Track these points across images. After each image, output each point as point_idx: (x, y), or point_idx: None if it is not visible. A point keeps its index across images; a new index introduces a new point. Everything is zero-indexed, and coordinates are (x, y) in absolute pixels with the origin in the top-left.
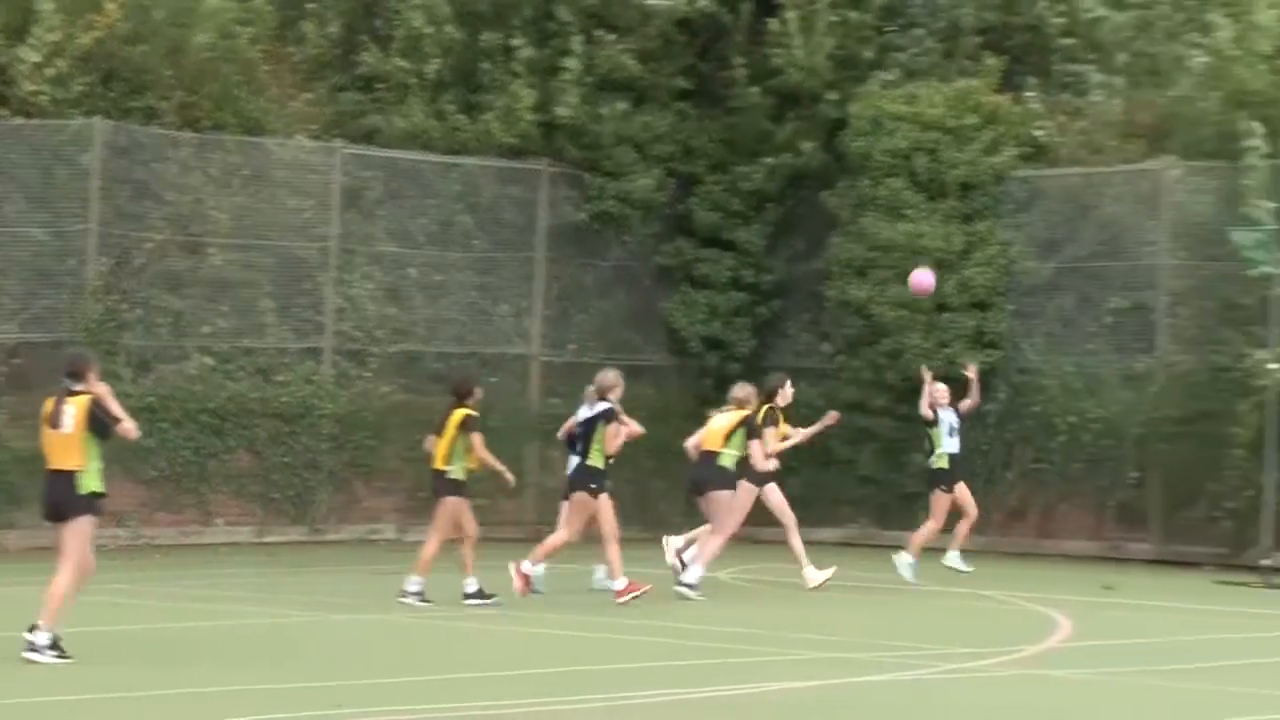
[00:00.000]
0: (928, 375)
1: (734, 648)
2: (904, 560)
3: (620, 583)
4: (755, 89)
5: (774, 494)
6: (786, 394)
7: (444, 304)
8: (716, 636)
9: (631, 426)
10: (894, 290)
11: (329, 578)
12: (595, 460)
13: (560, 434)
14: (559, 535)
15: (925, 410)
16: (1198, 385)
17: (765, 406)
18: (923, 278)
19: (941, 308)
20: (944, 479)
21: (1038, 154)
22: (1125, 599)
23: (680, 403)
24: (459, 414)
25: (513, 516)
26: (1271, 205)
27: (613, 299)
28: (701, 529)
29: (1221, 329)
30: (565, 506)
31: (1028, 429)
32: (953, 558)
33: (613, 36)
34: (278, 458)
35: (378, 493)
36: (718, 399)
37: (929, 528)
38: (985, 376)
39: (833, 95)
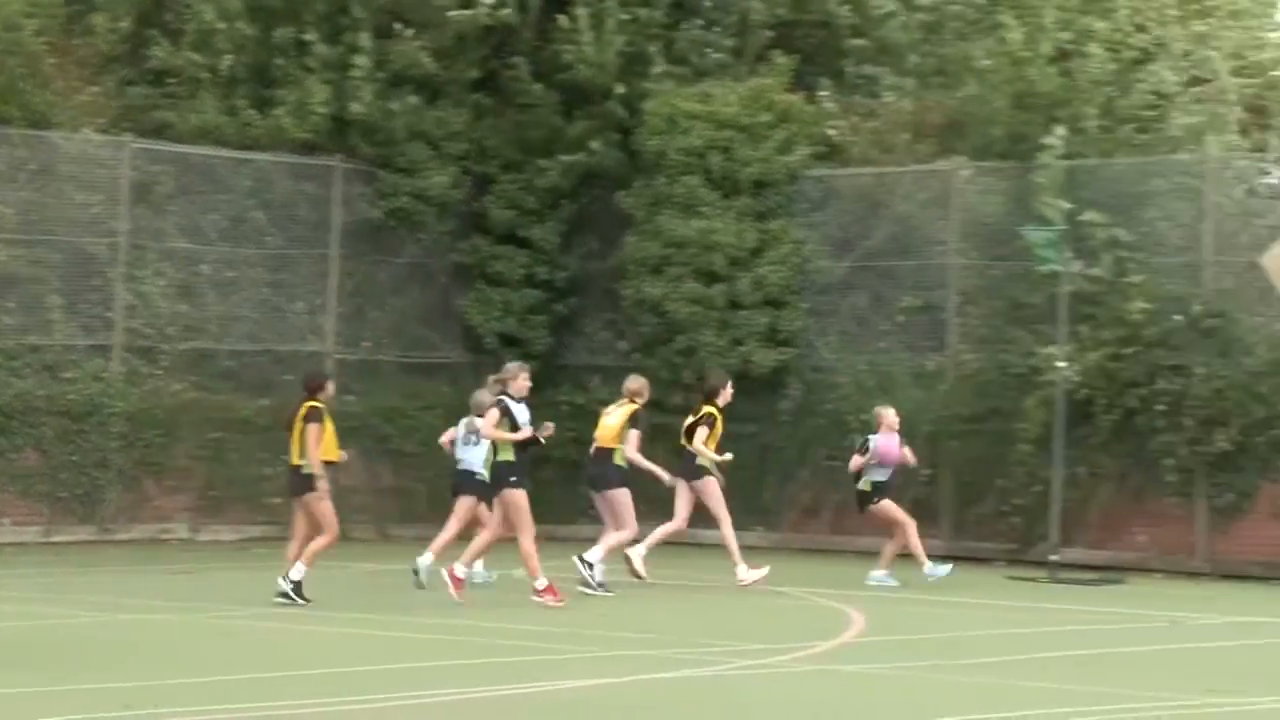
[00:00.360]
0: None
1: (538, 646)
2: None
3: (456, 575)
4: (540, 85)
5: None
6: (727, 394)
7: (236, 301)
8: (523, 635)
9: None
10: (688, 287)
11: (118, 577)
12: (505, 454)
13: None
14: (524, 539)
15: (855, 465)
16: (987, 383)
17: (704, 408)
18: (889, 446)
19: (735, 305)
20: (869, 498)
21: (831, 153)
22: (917, 594)
23: None
24: (305, 407)
25: None
26: (1065, 205)
27: (408, 296)
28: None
29: (1010, 328)
30: (465, 506)
31: (821, 427)
32: (879, 576)
33: (409, 33)
34: (65, 456)
35: (168, 491)
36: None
37: (900, 531)
38: (779, 374)
39: (620, 91)
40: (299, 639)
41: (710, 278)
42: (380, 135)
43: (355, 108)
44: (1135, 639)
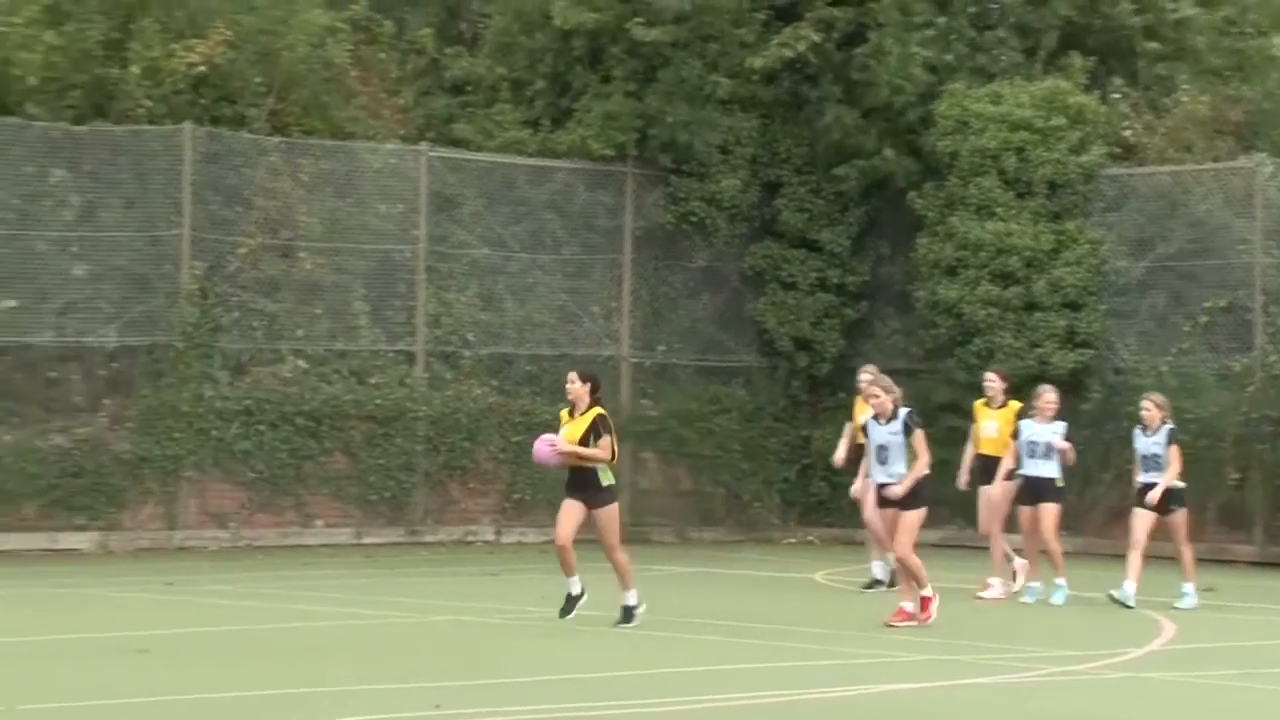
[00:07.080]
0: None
1: (838, 650)
2: None
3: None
4: (842, 107)
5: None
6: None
7: (534, 307)
8: (819, 639)
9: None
10: (983, 289)
11: (427, 579)
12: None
13: None
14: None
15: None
16: None
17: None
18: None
19: (1033, 307)
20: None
21: (1126, 153)
22: (1225, 600)
23: (771, 404)
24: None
25: None
26: None
27: (700, 300)
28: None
29: None
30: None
31: (1124, 429)
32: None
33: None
34: (373, 460)
35: (473, 494)
36: (810, 400)
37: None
38: (1079, 375)
39: (919, 112)
40: (615, 640)
41: (1007, 279)
42: (679, 144)
43: (666, 121)
44: None
